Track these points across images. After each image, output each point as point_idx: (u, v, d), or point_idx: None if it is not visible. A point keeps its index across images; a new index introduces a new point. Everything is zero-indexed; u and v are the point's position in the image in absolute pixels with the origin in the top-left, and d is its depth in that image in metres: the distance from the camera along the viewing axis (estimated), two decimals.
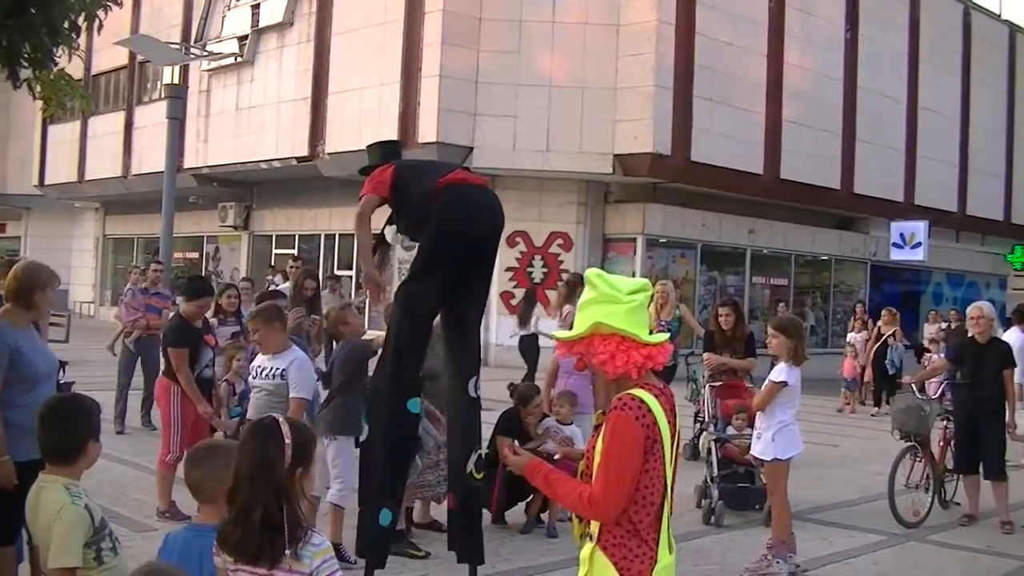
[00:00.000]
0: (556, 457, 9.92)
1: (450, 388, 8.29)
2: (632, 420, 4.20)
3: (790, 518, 9.64)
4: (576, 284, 14.07)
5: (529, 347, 20.13)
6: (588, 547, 4.33)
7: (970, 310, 12.25)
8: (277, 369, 8.68)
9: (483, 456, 8.21)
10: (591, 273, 4.49)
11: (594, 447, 4.32)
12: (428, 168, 8.41)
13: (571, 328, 4.45)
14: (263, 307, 9.61)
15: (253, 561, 3.89)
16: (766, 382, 9.65)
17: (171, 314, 12.34)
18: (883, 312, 24.44)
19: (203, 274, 34.65)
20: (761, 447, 9.61)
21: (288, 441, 3.90)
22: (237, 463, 3.95)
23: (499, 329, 27.81)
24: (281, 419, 4.04)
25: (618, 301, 4.31)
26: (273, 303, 9.99)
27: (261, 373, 8.82)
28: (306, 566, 3.85)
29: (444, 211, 7.75)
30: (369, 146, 8.78)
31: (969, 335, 12.25)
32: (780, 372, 9.48)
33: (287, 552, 3.84)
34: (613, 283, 4.37)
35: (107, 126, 41.01)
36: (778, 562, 9.24)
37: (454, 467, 8.21)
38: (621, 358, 4.25)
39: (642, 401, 4.22)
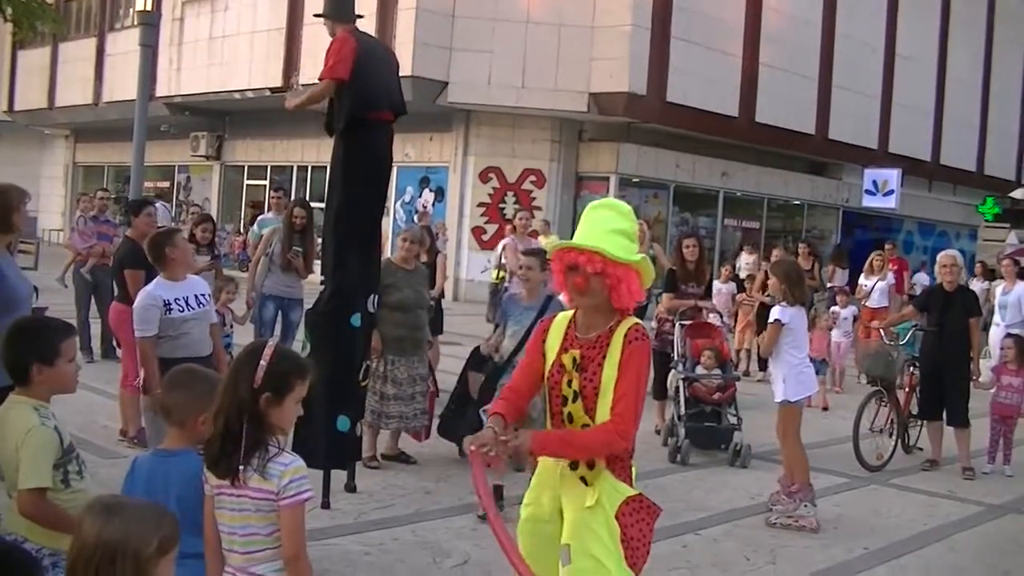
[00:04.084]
0: None
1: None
2: (649, 348, 4.58)
3: (807, 460, 9.53)
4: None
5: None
6: (599, 470, 4.51)
7: (941, 257, 12.27)
8: (202, 295, 8.15)
9: (369, 367, 8.97)
10: (625, 206, 4.73)
11: (600, 365, 4.49)
12: (373, 76, 8.48)
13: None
14: (170, 231, 9.37)
15: (215, 469, 3.93)
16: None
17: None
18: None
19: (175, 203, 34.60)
20: (775, 390, 9.51)
21: (263, 363, 3.92)
22: (225, 375, 4.06)
23: (470, 264, 27.89)
24: (271, 343, 4.07)
25: (636, 241, 4.64)
26: (174, 228, 10.17)
27: (192, 302, 7.99)
28: (274, 485, 3.87)
29: (348, 154, 8.40)
30: None
31: (937, 282, 12.31)
32: (774, 312, 9.46)
33: (242, 467, 3.86)
34: (636, 221, 4.76)
35: (78, 52, 40.56)
36: (806, 505, 9.15)
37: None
38: (639, 295, 4.54)
39: (646, 329, 4.60)
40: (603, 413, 4.45)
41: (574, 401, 4.51)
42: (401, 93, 8.70)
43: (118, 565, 2.95)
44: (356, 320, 8.38)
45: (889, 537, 9.00)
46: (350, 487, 8.84)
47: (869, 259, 20.27)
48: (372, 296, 8.68)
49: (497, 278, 22.68)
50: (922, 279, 27.03)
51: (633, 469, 4.64)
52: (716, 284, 17.17)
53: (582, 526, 4.46)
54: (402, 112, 8.66)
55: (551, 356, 4.65)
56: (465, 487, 9.37)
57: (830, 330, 16.93)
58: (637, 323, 4.54)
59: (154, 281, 8.17)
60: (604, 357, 4.48)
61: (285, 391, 3.99)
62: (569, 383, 4.52)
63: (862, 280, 20.14)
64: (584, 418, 4.52)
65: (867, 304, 19.43)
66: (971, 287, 16.12)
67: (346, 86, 8.25)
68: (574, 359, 4.53)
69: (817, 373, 14.99)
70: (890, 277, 20.33)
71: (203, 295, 8.13)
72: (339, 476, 8.63)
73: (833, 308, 17.83)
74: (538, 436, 4.51)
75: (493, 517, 4.26)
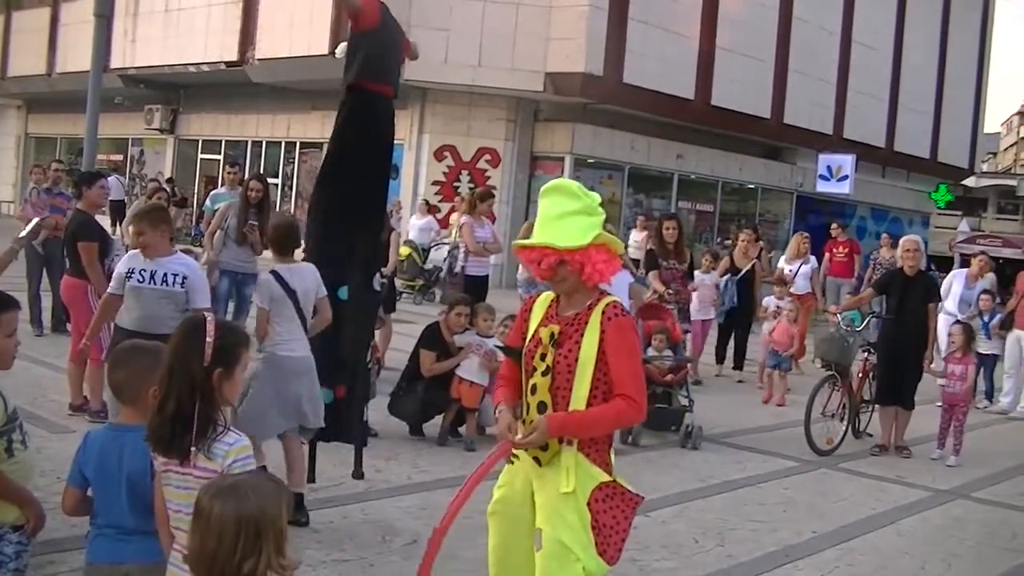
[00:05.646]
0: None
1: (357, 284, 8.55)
2: (631, 322, 4.68)
3: None
4: (483, 198, 14.23)
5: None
6: (569, 454, 4.51)
7: (904, 242, 12.35)
8: (174, 276, 8.00)
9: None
10: (574, 184, 4.71)
11: (578, 344, 4.52)
12: (383, 45, 8.53)
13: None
14: (150, 208, 9.32)
15: (165, 452, 3.88)
16: None
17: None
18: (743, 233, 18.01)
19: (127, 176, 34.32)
20: None
21: (210, 340, 3.87)
22: (166, 356, 3.97)
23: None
24: (211, 318, 4.02)
25: (597, 213, 4.60)
26: (159, 204, 9.97)
27: (158, 278, 7.96)
28: (218, 464, 3.82)
29: (347, 121, 8.22)
30: None
31: (898, 266, 12.38)
32: None
33: (194, 448, 3.82)
34: (590, 194, 4.66)
35: (32, 21, 40.11)
36: None
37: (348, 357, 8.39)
38: (611, 266, 4.58)
39: (623, 306, 4.68)
40: (579, 394, 4.50)
41: (544, 375, 4.54)
42: (398, 75, 8.66)
43: (264, 536, 3.12)
44: (343, 293, 8.26)
45: (838, 521, 9.06)
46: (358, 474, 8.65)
47: (795, 242, 19.02)
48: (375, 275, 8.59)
49: (405, 255, 22.63)
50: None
51: (612, 456, 4.67)
52: (697, 274, 15.47)
53: (553, 512, 4.48)
54: (395, 94, 8.62)
55: (531, 330, 4.71)
56: (415, 467, 9.39)
57: (794, 321, 15.07)
58: (614, 301, 4.59)
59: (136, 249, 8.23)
60: (582, 335, 4.52)
61: (234, 363, 3.97)
62: (543, 357, 4.57)
63: (782, 264, 18.98)
64: (546, 395, 4.54)
65: (791, 291, 17.62)
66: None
67: (356, 46, 8.24)
68: (552, 334, 4.57)
69: (778, 367, 14.76)
70: (812, 261, 18.86)
71: (176, 275, 8.00)
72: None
73: (768, 299, 16.38)
74: (554, 421, 4.47)
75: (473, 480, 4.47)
